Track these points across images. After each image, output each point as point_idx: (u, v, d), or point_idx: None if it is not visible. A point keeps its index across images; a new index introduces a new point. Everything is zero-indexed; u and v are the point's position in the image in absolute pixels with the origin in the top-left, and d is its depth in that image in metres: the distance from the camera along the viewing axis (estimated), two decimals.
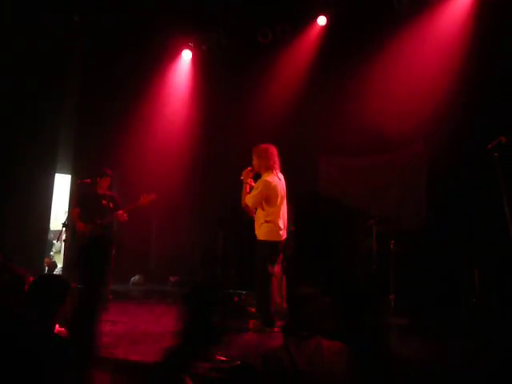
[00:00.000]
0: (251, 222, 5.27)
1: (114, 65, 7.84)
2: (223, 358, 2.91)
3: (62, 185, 8.05)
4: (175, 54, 8.07)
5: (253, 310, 5.48)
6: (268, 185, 4.28)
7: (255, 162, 4.43)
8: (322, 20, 6.95)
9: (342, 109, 6.83)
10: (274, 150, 4.46)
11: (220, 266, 6.78)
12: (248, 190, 4.39)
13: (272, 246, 4.32)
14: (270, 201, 4.31)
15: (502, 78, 5.52)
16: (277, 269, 4.78)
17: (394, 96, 6.40)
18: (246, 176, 4.43)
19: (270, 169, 4.37)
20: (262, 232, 4.34)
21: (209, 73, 7.90)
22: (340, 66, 6.74)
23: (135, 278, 7.88)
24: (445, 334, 4.35)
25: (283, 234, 4.41)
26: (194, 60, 8.09)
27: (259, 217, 4.37)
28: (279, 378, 1.77)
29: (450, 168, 5.77)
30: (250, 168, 4.45)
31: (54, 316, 2.08)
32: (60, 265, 7.61)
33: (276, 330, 4.11)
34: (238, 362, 2.75)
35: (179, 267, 7.81)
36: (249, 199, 4.32)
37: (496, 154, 3.15)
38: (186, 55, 8.04)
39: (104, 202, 5.51)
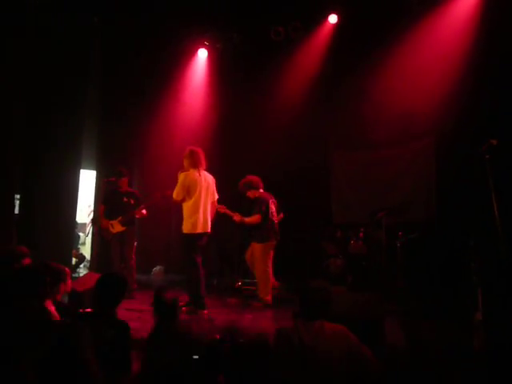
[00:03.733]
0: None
1: (133, 64, 8.18)
2: (241, 340, 3.24)
3: (87, 180, 8.45)
4: (192, 53, 8.36)
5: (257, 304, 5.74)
6: (184, 177, 4.86)
7: (184, 162, 4.98)
8: (333, 18, 7.17)
9: (354, 104, 7.08)
10: (198, 151, 5.04)
11: (238, 256, 7.09)
12: None
13: (191, 238, 4.84)
14: (190, 194, 4.84)
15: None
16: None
17: (405, 91, 6.59)
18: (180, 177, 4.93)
19: (193, 167, 4.91)
20: (185, 226, 4.88)
21: (224, 70, 8.18)
22: (351, 63, 6.97)
23: (156, 268, 8.24)
24: (449, 320, 4.64)
25: (203, 227, 4.89)
26: (210, 58, 8.38)
27: (184, 211, 4.90)
28: (288, 351, 2.12)
29: (459, 161, 5.95)
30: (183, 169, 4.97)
31: (118, 305, 2.66)
32: (87, 257, 8.03)
33: (206, 312, 4.73)
34: (254, 343, 3.08)
35: None
36: (174, 192, 4.86)
37: (487, 156, 3.39)
38: (202, 54, 8.33)
39: (125, 199, 5.87)
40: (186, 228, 4.86)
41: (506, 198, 3.66)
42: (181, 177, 4.86)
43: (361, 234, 6.27)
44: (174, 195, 4.84)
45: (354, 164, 7.40)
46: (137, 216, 5.78)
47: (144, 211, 5.79)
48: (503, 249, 3.33)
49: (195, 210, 4.84)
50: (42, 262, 3.01)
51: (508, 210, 3.73)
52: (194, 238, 4.85)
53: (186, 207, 4.87)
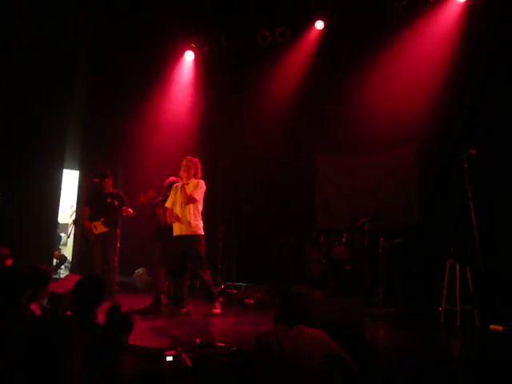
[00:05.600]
0: (253, 218, 5.69)
1: (119, 65, 8.15)
2: (222, 344, 3.26)
3: (70, 180, 8.36)
4: (178, 55, 8.36)
5: (251, 301, 5.87)
6: (203, 183, 5.14)
7: (192, 169, 5.12)
8: (319, 24, 7.26)
9: (338, 109, 7.14)
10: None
11: (221, 259, 7.08)
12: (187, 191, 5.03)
13: (203, 238, 5.09)
14: (201, 200, 5.12)
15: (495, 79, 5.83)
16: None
17: (389, 97, 6.69)
18: (186, 179, 5.07)
19: (196, 177, 5.14)
20: (200, 227, 5.05)
21: (210, 73, 8.20)
22: (336, 69, 7.04)
23: (139, 270, 8.16)
24: (427, 324, 4.75)
25: None
26: (196, 61, 8.39)
27: (195, 214, 5.04)
28: (268, 356, 2.14)
29: (440, 168, 6.05)
30: (186, 174, 5.09)
31: (97, 308, 2.59)
32: (69, 258, 7.95)
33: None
34: (235, 348, 3.09)
35: None
36: (197, 195, 5.03)
37: (466, 165, 3.48)
38: (189, 56, 8.34)
39: (109, 200, 5.83)
40: (202, 229, 5.07)
41: (485, 206, 3.77)
42: (202, 183, 5.10)
43: (343, 240, 6.34)
44: (197, 197, 5.01)
45: (337, 169, 7.47)
46: (124, 215, 5.73)
47: (131, 210, 5.76)
48: (479, 254, 3.42)
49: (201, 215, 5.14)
50: (29, 263, 2.99)
51: (486, 217, 3.85)
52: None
53: (199, 211, 5.08)
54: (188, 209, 5.01)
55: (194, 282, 6.60)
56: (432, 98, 6.22)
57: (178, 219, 5.03)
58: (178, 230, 5.04)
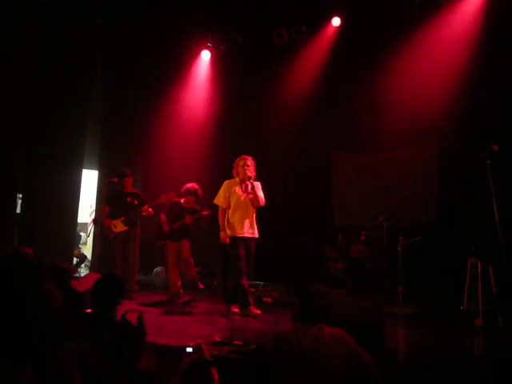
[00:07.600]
0: (270, 216, 5.78)
1: (136, 65, 8.22)
2: (240, 343, 3.26)
3: (89, 180, 8.47)
4: (195, 55, 8.39)
5: (269, 300, 5.85)
6: None
7: (255, 171, 5.03)
8: (336, 21, 7.19)
9: (356, 107, 7.07)
10: None
11: None
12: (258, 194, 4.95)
13: None
14: None
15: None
16: None
17: (408, 93, 6.59)
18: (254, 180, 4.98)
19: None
20: (257, 231, 4.97)
21: (227, 72, 8.21)
22: (353, 66, 6.97)
23: (157, 269, 8.22)
24: (448, 323, 4.67)
25: None
26: (213, 60, 8.41)
27: (254, 217, 4.99)
28: (288, 355, 2.12)
29: (461, 165, 5.95)
30: (254, 174, 5.02)
31: (116, 306, 2.60)
32: (89, 257, 8.05)
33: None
34: (254, 346, 3.09)
35: (200, 259, 8.16)
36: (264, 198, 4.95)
37: (488, 162, 3.40)
38: (205, 55, 8.36)
39: (129, 199, 5.88)
40: None
41: (507, 203, 3.68)
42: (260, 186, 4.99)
43: (362, 238, 6.28)
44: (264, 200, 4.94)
45: (355, 167, 7.40)
46: (144, 214, 5.78)
47: (151, 209, 5.80)
48: (503, 253, 3.34)
49: None
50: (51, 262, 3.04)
51: (509, 215, 3.76)
52: None
53: None
54: (253, 211, 4.96)
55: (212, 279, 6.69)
56: (452, 93, 6.11)
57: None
58: (242, 230, 4.87)
